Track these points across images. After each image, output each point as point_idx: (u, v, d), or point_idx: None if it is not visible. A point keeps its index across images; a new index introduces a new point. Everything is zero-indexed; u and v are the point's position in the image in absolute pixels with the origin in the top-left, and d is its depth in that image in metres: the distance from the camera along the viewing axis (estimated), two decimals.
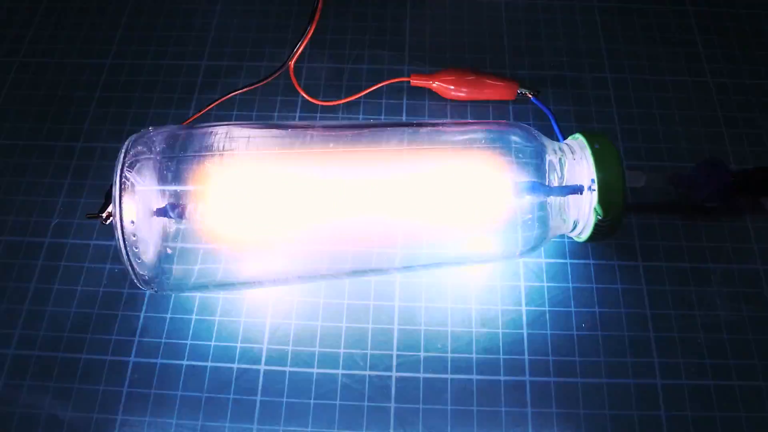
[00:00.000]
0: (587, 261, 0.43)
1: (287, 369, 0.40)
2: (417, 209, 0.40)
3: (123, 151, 0.36)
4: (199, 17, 0.55)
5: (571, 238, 0.43)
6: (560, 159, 0.41)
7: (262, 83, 0.49)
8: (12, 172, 0.47)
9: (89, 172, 0.47)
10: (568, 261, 0.43)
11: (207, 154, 0.38)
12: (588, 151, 0.39)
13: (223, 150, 0.38)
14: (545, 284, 0.43)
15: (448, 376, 0.40)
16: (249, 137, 0.39)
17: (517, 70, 0.52)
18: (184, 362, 0.40)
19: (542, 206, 0.40)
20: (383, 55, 0.53)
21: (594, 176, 0.38)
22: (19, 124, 0.49)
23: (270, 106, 0.50)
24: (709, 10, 0.55)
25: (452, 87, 0.49)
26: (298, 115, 0.49)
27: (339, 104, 0.50)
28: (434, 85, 0.50)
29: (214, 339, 0.41)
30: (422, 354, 0.40)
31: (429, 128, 0.43)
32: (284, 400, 0.39)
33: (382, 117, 0.49)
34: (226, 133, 0.39)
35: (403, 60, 0.52)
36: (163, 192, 0.38)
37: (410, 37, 0.54)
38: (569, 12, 0.55)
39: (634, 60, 0.52)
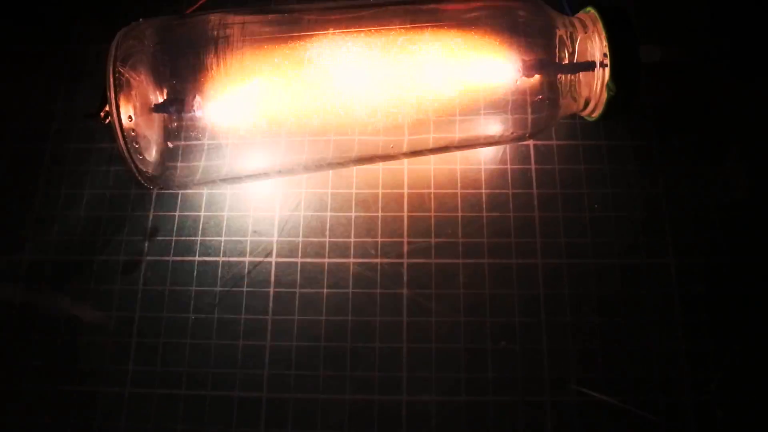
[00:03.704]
0: (599, 141, 0.42)
1: (298, 260, 0.40)
2: (422, 90, 0.38)
3: (114, 45, 0.35)
4: None
5: (582, 117, 0.42)
6: (570, 34, 0.39)
7: None
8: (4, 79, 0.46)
9: (84, 75, 0.46)
10: (580, 142, 0.42)
11: (201, 43, 0.37)
12: (600, 25, 0.37)
13: (218, 38, 0.37)
14: (556, 166, 0.42)
15: (460, 261, 0.40)
16: (244, 23, 0.38)
17: None
18: (196, 258, 0.40)
19: (552, 84, 0.38)
20: None
21: (606, 51, 0.37)
22: (7, 28, 0.48)
23: None
24: None
25: None
26: None
27: None
28: None
29: (224, 234, 0.41)
30: (433, 240, 0.40)
31: (432, 5, 0.41)
32: (297, 290, 0.39)
33: None
34: (220, 21, 0.37)
35: None
36: (160, 86, 0.37)
37: None
38: None
39: None
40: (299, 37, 0.38)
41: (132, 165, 0.35)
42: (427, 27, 0.39)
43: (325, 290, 0.39)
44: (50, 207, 0.42)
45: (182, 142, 0.38)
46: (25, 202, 0.42)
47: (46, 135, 0.44)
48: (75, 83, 0.46)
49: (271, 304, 0.39)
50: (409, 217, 0.41)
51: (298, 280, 0.40)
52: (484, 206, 0.41)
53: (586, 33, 0.38)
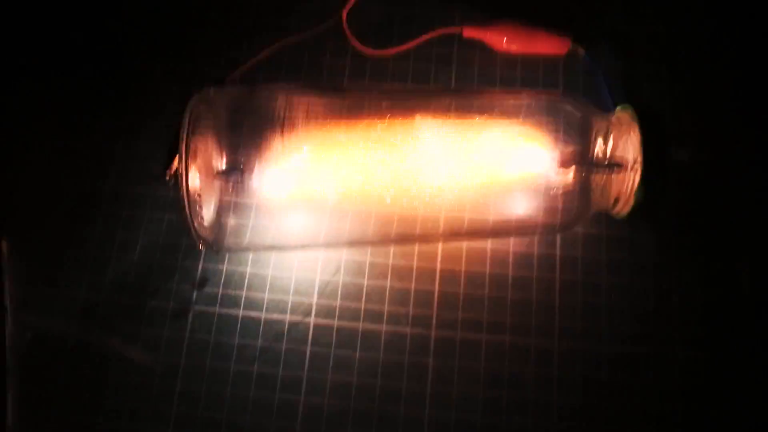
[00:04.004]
0: (623, 233, 0.45)
1: (335, 323, 0.43)
2: (462, 174, 0.41)
3: (188, 114, 0.37)
4: None
5: (610, 213, 0.44)
6: (607, 131, 0.41)
7: (313, 32, 0.48)
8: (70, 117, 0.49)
9: (147, 117, 0.48)
10: (605, 231, 0.45)
11: (269, 123, 0.39)
12: (635, 127, 0.39)
13: (284, 119, 0.39)
14: (580, 254, 0.45)
15: (483, 336, 0.43)
16: (309, 105, 0.40)
17: (571, 22, 0.50)
18: (240, 312, 0.43)
19: (585, 179, 0.41)
20: (435, 1, 0.51)
21: (639, 156, 0.39)
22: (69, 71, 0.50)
23: (320, 52, 0.49)
24: None
25: (504, 39, 0.49)
26: (348, 64, 0.49)
27: (389, 55, 0.49)
28: (486, 36, 0.49)
29: (267, 291, 0.44)
30: (460, 315, 0.43)
31: (479, 94, 0.43)
32: (332, 351, 0.43)
33: (433, 66, 0.49)
34: (287, 101, 0.40)
35: (455, 6, 0.51)
36: (223, 154, 0.39)
37: None
38: None
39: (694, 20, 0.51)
40: (356, 122, 0.41)
41: (193, 230, 0.38)
42: (474, 115, 0.42)
43: (357, 353, 0.43)
44: (106, 248, 0.45)
45: (236, 210, 0.40)
46: (83, 241, 0.45)
47: (105, 176, 0.46)
48: (137, 123, 0.48)
49: (307, 362, 0.42)
50: (439, 290, 0.44)
51: (334, 342, 0.43)
52: (509, 287, 0.44)
53: (621, 131, 0.41)
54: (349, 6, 0.48)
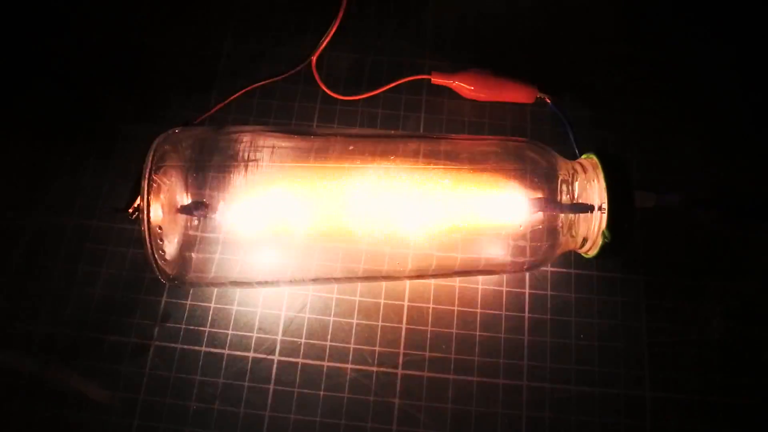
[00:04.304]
0: (591, 272, 0.45)
1: (299, 361, 0.42)
2: (430, 218, 0.41)
3: (151, 152, 0.38)
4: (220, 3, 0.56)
5: (578, 253, 0.45)
6: (572, 176, 0.42)
7: (282, 77, 0.50)
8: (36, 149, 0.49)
9: (113, 153, 0.48)
10: (573, 271, 0.45)
11: (233, 163, 0.40)
12: (600, 173, 0.40)
13: (248, 160, 0.40)
14: (548, 293, 0.45)
15: (450, 376, 0.42)
16: (274, 147, 0.40)
17: (538, 71, 0.52)
18: (203, 348, 0.42)
19: (552, 222, 0.41)
20: (405, 48, 0.53)
21: (605, 199, 0.40)
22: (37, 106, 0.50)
23: (290, 97, 0.50)
24: None
25: (472, 87, 0.50)
26: (318, 107, 0.50)
27: (358, 99, 0.50)
28: (454, 84, 0.50)
29: (231, 328, 0.43)
30: (427, 354, 0.43)
31: (447, 140, 0.44)
32: (296, 390, 0.42)
33: (401, 113, 0.50)
34: (251, 141, 0.40)
35: (425, 55, 0.53)
36: (188, 192, 0.39)
37: (433, 32, 0.54)
38: (595, 16, 0.56)
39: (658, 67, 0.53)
40: (322, 163, 0.41)
41: (154, 265, 0.38)
42: (440, 161, 0.42)
43: (322, 392, 0.42)
44: (68, 282, 0.44)
45: (200, 238, 0.40)
46: (44, 275, 0.44)
47: (71, 209, 0.46)
48: (104, 160, 0.48)
49: (269, 401, 0.41)
50: (407, 328, 0.43)
51: (297, 380, 0.42)
52: (478, 325, 0.43)
53: (586, 176, 0.41)
54: (318, 52, 0.49)
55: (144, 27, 0.54)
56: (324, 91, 0.50)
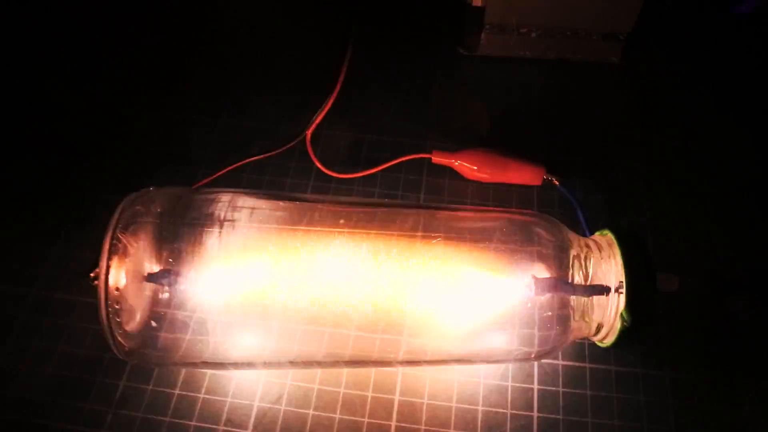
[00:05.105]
0: (608, 366, 0.40)
1: None
2: (427, 299, 0.37)
3: (118, 210, 0.34)
4: (218, 77, 0.54)
5: (592, 341, 0.39)
6: (586, 255, 0.38)
7: (276, 152, 0.47)
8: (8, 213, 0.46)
9: (87, 222, 0.44)
10: (587, 365, 0.40)
11: (207, 222, 0.36)
12: (617, 250, 0.36)
13: (224, 220, 0.36)
14: (560, 389, 0.39)
15: None
16: (253, 208, 0.37)
17: (546, 152, 0.49)
18: None
19: (564, 306, 0.37)
20: (405, 127, 0.51)
21: (623, 278, 0.35)
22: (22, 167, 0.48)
23: (283, 172, 0.48)
24: None
25: (475, 167, 0.47)
26: (311, 184, 0.47)
27: (353, 177, 0.48)
28: (456, 164, 0.47)
29: (195, 419, 0.37)
30: None
31: (447, 212, 0.41)
32: None
33: (400, 193, 0.47)
34: (230, 202, 0.37)
35: (426, 134, 0.50)
36: (157, 257, 0.36)
37: (435, 111, 0.52)
38: (603, 96, 0.54)
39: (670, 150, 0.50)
40: (305, 230, 0.37)
41: (108, 335, 0.33)
42: (438, 235, 0.38)
43: None
44: (17, 359, 0.39)
45: (167, 318, 0.36)
46: None
47: (33, 279, 0.42)
48: (77, 230, 0.45)
49: None
50: (397, 427, 0.37)
51: None
52: (479, 425, 0.38)
53: (601, 256, 0.37)
54: (313, 126, 0.47)
55: (139, 99, 0.53)
56: (318, 168, 0.47)
